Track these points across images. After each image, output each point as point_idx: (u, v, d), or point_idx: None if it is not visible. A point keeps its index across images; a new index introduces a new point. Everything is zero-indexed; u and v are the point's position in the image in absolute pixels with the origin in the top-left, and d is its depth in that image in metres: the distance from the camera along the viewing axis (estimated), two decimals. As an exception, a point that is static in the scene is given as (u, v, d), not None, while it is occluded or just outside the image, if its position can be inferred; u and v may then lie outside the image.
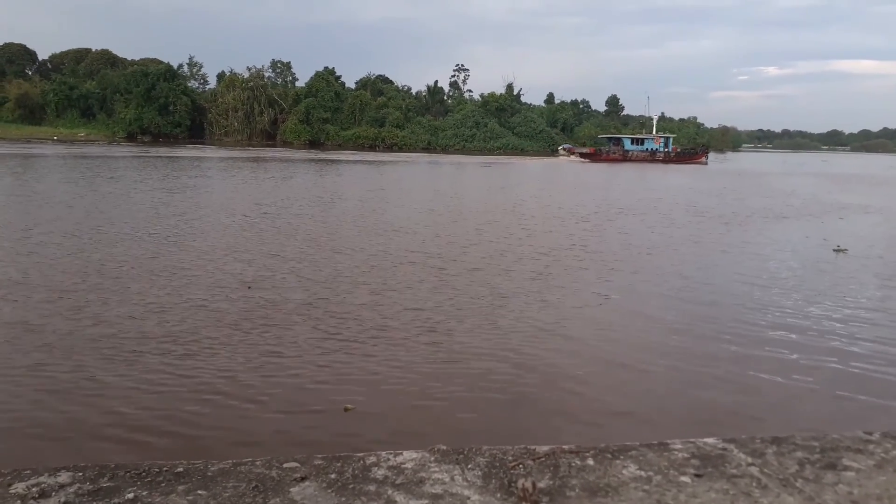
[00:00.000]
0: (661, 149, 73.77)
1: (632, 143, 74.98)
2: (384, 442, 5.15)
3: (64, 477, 2.25)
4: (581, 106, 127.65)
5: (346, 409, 5.79)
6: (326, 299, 9.39)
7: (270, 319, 8.33)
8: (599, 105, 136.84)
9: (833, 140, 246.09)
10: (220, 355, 6.98)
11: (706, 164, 70.59)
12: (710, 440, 2.66)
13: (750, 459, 2.46)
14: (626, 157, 71.12)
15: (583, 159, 71.72)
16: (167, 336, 7.53)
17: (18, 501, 2.07)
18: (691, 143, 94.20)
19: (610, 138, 79.15)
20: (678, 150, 75.38)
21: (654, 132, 79.59)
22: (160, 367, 6.62)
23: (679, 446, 2.60)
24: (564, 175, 47.38)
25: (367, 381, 6.47)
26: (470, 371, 6.82)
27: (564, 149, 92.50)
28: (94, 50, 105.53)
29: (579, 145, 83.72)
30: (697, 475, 2.34)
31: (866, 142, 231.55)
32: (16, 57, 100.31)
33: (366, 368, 6.81)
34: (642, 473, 2.34)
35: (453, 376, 6.64)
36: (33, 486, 2.17)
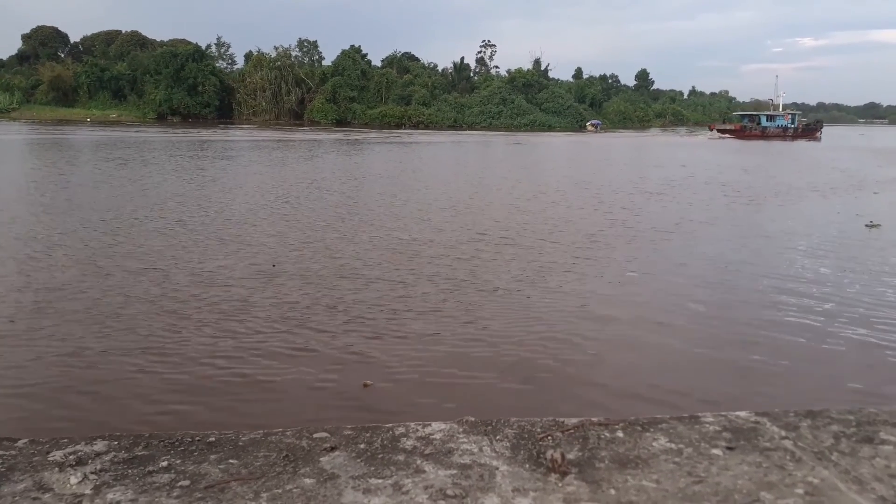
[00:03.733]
0: (790, 125, 75.58)
1: (767, 119, 76.43)
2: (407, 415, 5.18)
3: (100, 445, 2.30)
4: (610, 81, 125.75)
5: (364, 385, 5.83)
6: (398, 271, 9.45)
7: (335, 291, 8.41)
8: (629, 80, 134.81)
9: (870, 113, 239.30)
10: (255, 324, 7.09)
11: (820, 140, 72.04)
12: (743, 413, 2.62)
13: (783, 433, 2.43)
14: (764, 134, 72.98)
15: (724, 135, 72.74)
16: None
17: (56, 469, 2.12)
18: (724, 118, 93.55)
19: (744, 115, 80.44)
20: (802, 126, 77.41)
21: (780, 109, 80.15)
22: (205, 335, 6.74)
23: (710, 419, 2.56)
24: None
25: (388, 357, 6.51)
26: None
27: (592, 124, 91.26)
28: (124, 31, 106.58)
29: (719, 123, 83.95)
30: (729, 448, 2.31)
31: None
32: (48, 40, 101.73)
33: (389, 340, 6.86)
34: (673, 446, 2.32)
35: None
36: (70, 453, 2.23)
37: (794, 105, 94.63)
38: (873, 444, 2.33)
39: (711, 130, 77.18)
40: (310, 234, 12.71)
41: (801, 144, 62.29)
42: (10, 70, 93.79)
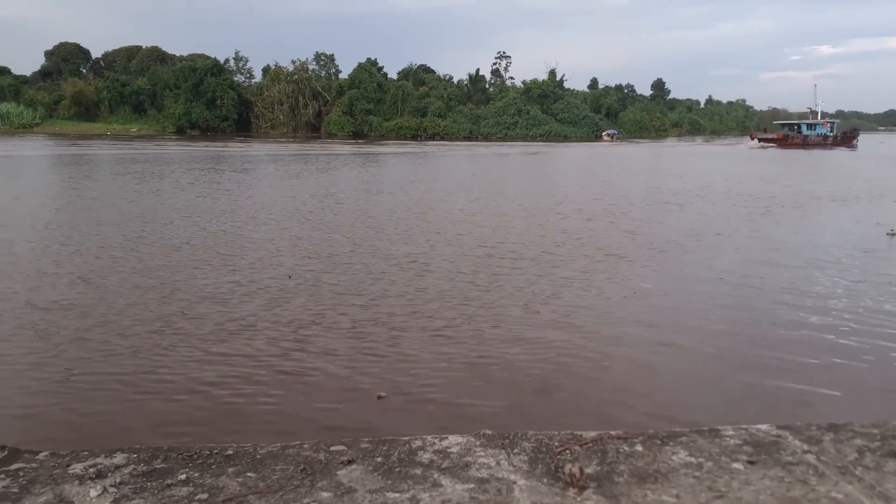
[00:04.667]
0: (830, 133, 76.33)
1: (807, 128, 76.96)
2: (423, 428, 5.15)
3: (119, 458, 2.31)
4: (626, 90, 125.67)
5: (379, 398, 5.81)
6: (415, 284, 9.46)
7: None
8: (645, 89, 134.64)
9: (890, 120, 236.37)
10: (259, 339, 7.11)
11: (856, 147, 72.55)
12: (764, 427, 2.58)
13: (806, 447, 2.39)
14: (805, 142, 73.59)
15: (766, 145, 73.23)
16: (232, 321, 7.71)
17: (76, 481, 2.14)
18: (741, 127, 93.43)
19: (784, 124, 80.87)
20: (840, 134, 78.11)
21: (818, 118, 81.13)
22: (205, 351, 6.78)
23: (731, 433, 2.53)
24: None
25: (402, 367, 6.49)
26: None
27: (608, 134, 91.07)
28: (144, 47, 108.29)
29: (760, 131, 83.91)
30: (750, 462, 2.28)
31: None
32: (71, 56, 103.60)
33: (402, 352, 6.85)
34: (693, 460, 2.29)
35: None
36: (90, 466, 2.25)
37: (809, 112, 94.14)
38: (898, 458, 2.29)
39: (752, 139, 77.35)
40: (328, 247, 12.76)
41: (840, 152, 62.31)
42: (33, 86, 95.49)
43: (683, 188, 24.91)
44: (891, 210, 19.22)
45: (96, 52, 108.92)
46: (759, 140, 75.54)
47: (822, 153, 60.45)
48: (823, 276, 10.61)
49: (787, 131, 76.45)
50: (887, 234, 14.61)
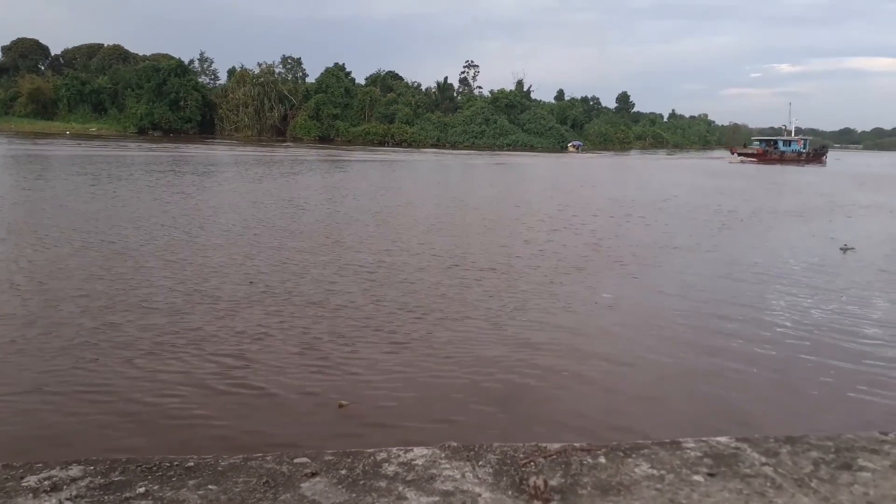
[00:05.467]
0: (803, 150, 79.35)
1: (784, 144, 79.77)
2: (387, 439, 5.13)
3: (75, 470, 2.25)
4: (591, 103, 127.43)
5: (340, 406, 5.77)
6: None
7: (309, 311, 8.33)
8: (610, 102, 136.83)
9: (845, 138, 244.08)
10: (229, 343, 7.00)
11: (825, 164, 75.46)
12: (723, 439, 2.63)
13: (764, 459, 2.44)
14: (781, 158, 76.04)
15: (746, 159, 75.14)
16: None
17: (30, 494, 2.07)
18: (702, 141, 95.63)
19: (761, 140, 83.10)
20: (811, 151, 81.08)
21: (792, 135, 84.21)
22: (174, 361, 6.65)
23: (692, 445, 2.57)
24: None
25: (364, 377, 6.46)
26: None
27: (573, 145, 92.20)
28: (105, 45, 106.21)
29: (740, 146, 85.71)
30: (710, 474, 2.31)
31: (879, 140, 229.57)
32: (29, 52, 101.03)
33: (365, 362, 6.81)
34: (655, 472, 2.32)
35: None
36: (45, 479, 2.18)
37: (771, 129, 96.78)
38: (852, 470, 2.35)
39: (733, 154, 79.79)
40: (285, 255, 12.64)
41: (812, 168, 64.87)
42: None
43: (702, 204, 25.32)
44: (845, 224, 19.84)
45: (56, 49, 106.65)
46: (739, 154, 78.01)
47: (797, 169, 62.96)
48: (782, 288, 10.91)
49: (765, 147, 79.01)
50: (840, 248, 15.06)
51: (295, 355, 6.98)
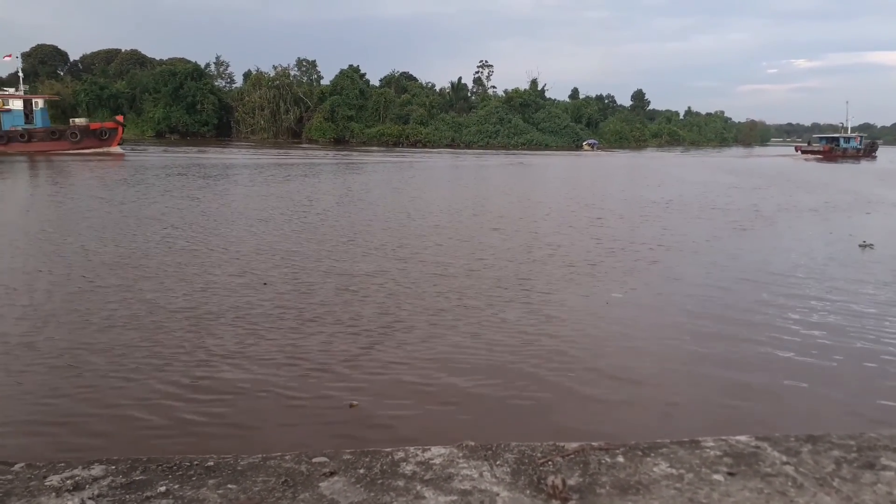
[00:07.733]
0: (859, 146, 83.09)
1: (844, 141, 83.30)
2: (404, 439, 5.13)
3: (97, 470, 2.28)
4: (606, 101, 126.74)
5: (350, 406, 5.78)
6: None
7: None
8: (625, 100, 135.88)
9: (865, 133, 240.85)
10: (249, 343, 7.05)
11: (876, 158, 78.86)
12: (743, 438, 2.61)
13: (785, 458, 2.42)
14: (844, 154, 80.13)
15: (813, 156, 78.86)
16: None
17: (53, 493, 2.10)
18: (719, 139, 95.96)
19: (823, 138, 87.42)
20: (865, 147, 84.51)
21: (849, 132, 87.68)
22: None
23: (711, 444, 2.56)
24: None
25: (379, 376, 6.47)
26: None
27: (588, 144, 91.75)
28: (123, 50, 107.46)
29: (805, 143, 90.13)
30: (730, 473, 2.30)
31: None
32: (48, 58, 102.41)
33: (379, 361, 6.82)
34: (674, 471, 2.31)
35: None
36: (67, 478, 2.21)
37: (790, 126, 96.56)
38: (874, 469, 2.33)
39: (797, 151, 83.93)
40: (300, 259, 12.71)
41: (867, 163, 67.58)
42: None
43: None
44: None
45: (74, 55, 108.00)
46: (804, 152, 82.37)
47: (857, 164, 65.98)
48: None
49: (831, 144, 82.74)
50: (859, 245, 14.87)
51: (307, 355, 7.02)
